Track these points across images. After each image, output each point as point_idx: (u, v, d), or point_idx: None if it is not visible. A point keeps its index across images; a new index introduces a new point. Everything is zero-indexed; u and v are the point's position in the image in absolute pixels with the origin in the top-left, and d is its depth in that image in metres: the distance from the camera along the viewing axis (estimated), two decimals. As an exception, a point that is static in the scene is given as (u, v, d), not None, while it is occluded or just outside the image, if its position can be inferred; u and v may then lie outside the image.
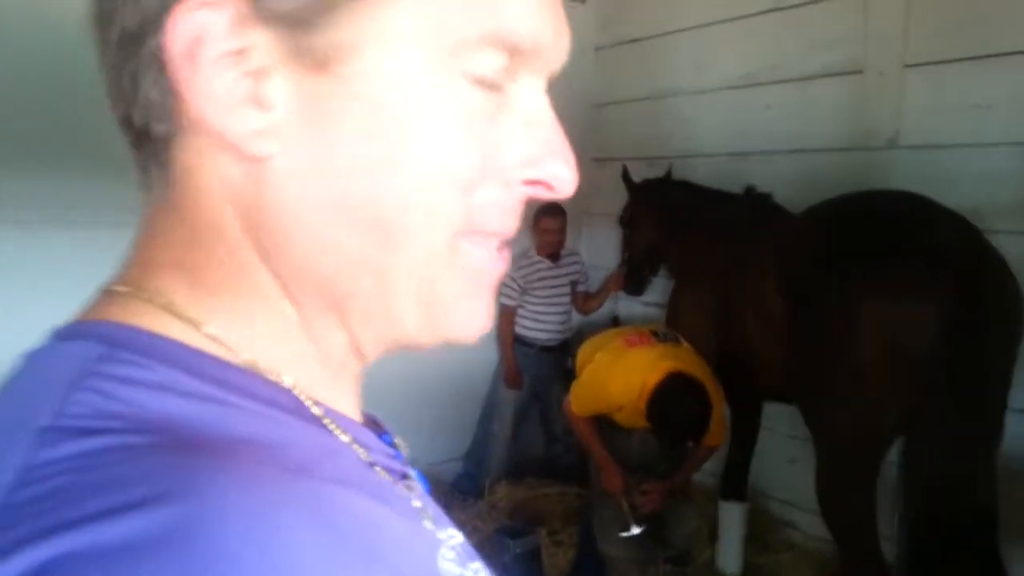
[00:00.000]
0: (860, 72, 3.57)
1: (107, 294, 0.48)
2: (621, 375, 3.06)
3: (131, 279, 0.48)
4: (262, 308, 0.48)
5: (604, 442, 3.35)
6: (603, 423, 3.32)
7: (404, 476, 0.55)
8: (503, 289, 4.53)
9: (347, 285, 0.48)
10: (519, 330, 4.55)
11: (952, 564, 2.21)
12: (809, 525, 3.80)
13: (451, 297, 0.51)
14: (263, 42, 0.43)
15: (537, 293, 4.52)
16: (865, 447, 2.41)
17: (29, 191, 2.98)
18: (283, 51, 0.44)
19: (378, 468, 0.51)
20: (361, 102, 0.44)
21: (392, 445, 0.60)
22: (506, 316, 4.55)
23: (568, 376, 3.71)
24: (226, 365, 0.45)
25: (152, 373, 0.42)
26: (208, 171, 0.46)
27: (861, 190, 2.77)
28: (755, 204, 3.38)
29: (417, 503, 0.52)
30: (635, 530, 3.26)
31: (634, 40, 4.88)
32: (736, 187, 3.60)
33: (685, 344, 3.20)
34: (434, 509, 0.56)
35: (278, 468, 0.40)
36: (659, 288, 4.50)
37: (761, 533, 3.80)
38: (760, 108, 4.07)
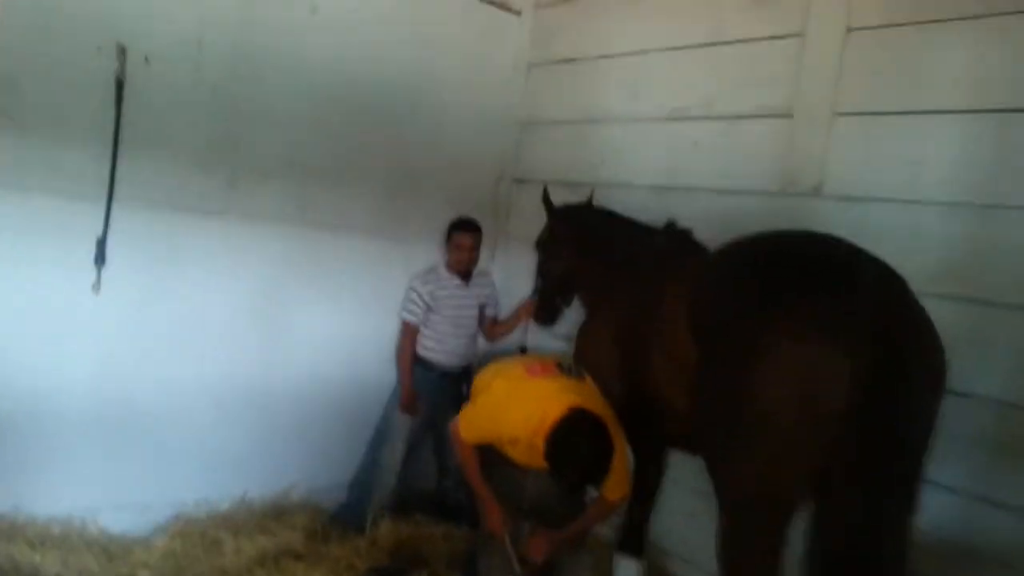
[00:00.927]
0: (790, 116, 3.46)
1: None
2: (519, 405, 2.82)
3: None
4: None
5: (494, 478, 3.09)
6: (495, 457, 3.06)
7: None
8: (406, 304, 4.26)
9: None
10: (421, 351, 4.29)
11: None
12: None
13: None
14: None
15: (443, 312, 4.27)
16: (769, 506, 2.20)
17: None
18: None
19: None
20: None
21: None
22: (408, 334, 4.28)
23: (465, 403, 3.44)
24: None
25: None
26: None
27: (781, 229, 2.61)
28: (675, 239, 3.21)
29: None
30: None
31: (569, 60, 4.71)
32: (658, 221, 3.43)
33: (590, 381, 2.98)
34: None
35: None
36: (571, 320, 4.29)
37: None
38: (688, 143, 3.92)
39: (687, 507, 3.68)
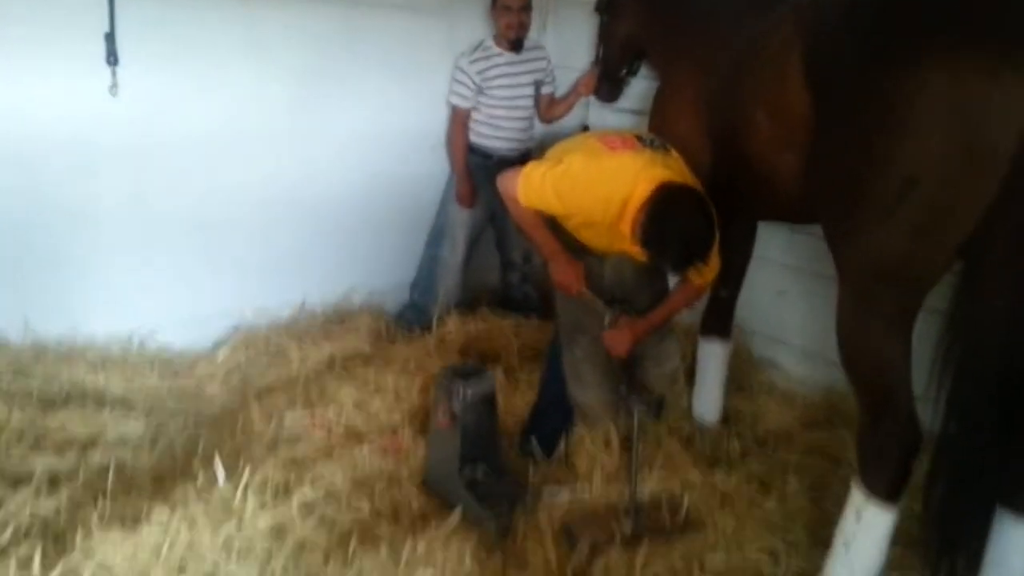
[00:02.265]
0: None
1: None
2: (599, 183, 2.43)
3: None
4: None
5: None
6: (561, 240, 2.74)
7: None
8: (454, 87, 3.85)
9: None
10: (474, 138, 3.92)
11: (1003, 429, 1.77)
12: (794, 366, 3.43)
13: None
14: None
15: (495, 93, 3.85)
16: (909, 283, 1.88)
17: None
18: None
19: None
20: None
21: None
22: (458, 120, 3.90)
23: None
24: None
25: None
26: None
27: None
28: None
29: None
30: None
31: None
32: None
33: (675, 153, 2.58)
34: None
35: None
36: (638, 92, 3.84)
37: (740, 374, 3.39)
38: None
39: (775, 284, 3.45)
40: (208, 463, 2.55)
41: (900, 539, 2.08)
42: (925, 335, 1.94)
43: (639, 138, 2.59)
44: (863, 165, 1.84)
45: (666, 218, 2.29)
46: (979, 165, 1.69)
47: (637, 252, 2.51)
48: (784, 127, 2.19)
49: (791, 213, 2.51)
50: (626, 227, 2.40)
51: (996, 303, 1.72)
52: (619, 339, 2.73)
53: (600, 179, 2.43)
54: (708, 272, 2.58)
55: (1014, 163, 1.66)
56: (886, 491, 1.99)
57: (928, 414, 1.91)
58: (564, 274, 2.71)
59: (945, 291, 1.90)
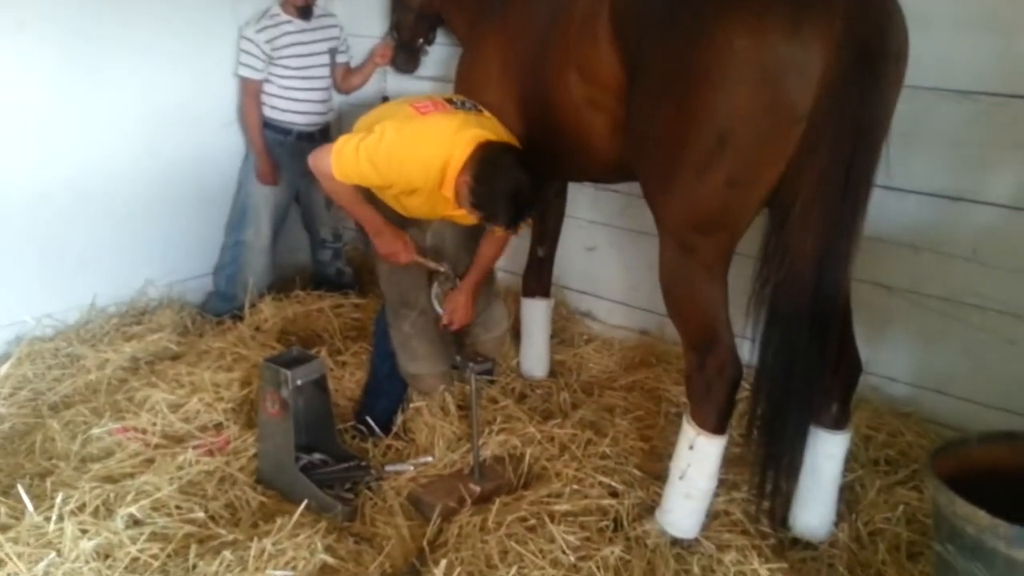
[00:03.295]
0: None
1: None
2: (417, 148, 2.35)
3: None
4: None
5: None
6: (387, 216, 2.68)
7: None
8: (243, 58, 3.62)
9: None
10: (269, 112, 3.71)
11: (813, 355, 1.95)
12: (608, 314, 3.60)
13: None
14: None
15: (287, 63, 3.66)
16: (725, 231, 2.00)
17: None
18: None
19: None
20: None
21: None
22: (250, 93, 3.68)
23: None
24: None
25: None
26: None
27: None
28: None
29: None
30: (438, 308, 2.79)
31: None
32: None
33: (488, 113, 2.57)
34: None
35: None
36: (438, 59, 3.80)
37: (560, 328, 3.51)
38: None
39: (585, 241, 3.58)
40: (8, 493, 2.25)
41: (724, 460, 2.24)
42: (739, 277, 2.09)
43: (450, 100, 2.56)
44: (679, 123, 1.92)
45: (493, 176, 2.29)
46: (783, 121, 1.82)
47: (461, 215, 2.51)
48: (596, 88, 2.24)
49: (605, 173, 2.59)
50: (448, 191, 2.38)
51: (803, 245, 1.88)
52: (460, 305, 2.73)
53: (416, 144, 2.37)
54: None
55: (810, 119, 1.80)
56: (716, 423, 2.13)
57: (745, 350, 2.07)
58: (392, 245, 2.65)
59: (753, 236, 2.04)
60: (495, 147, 2.34)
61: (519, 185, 2.30)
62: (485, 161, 2.30)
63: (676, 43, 1.92)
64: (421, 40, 3.64)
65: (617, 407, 2.97)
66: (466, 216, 2.49)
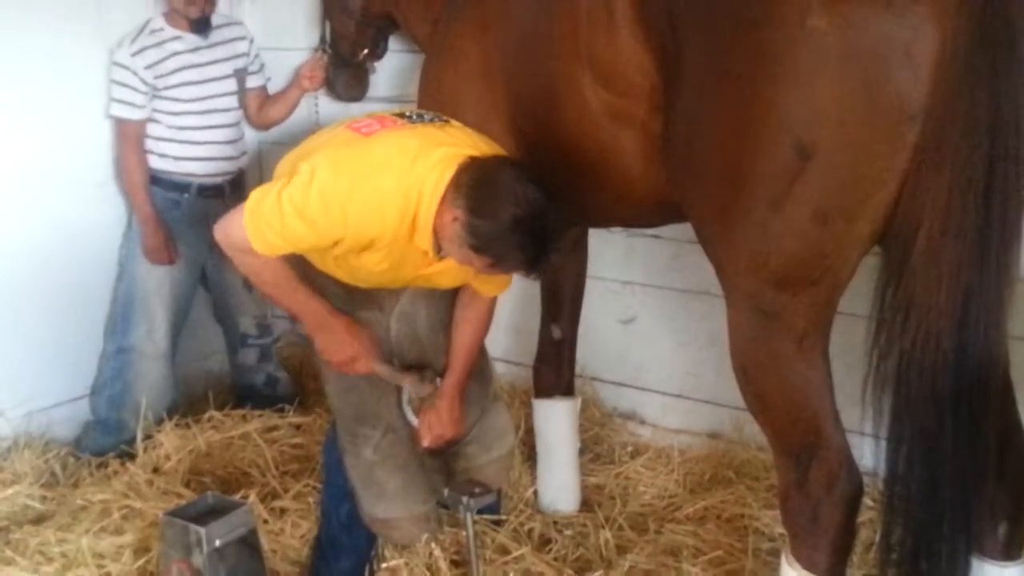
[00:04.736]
0: None
1: None
2: (367, 181, 2.35)
3: None
4: None
5: None
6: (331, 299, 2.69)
7: None
8: (116, 92, 3.74)
9: None
10: (157, 163, 3.83)
11: (965, 453, 1.89)
12: (660, 413, 3.62)
13: None
14: None
15: (177, 94, 3.79)
16: (817, 279, 1.97)
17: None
18: None
19: None
20: None
21: None
22: (129, 139, 3.81)
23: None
24: None
25: None
26: None
27: None
28: None
29: None
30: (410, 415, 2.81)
31: None
32: None
33: (456, 123, 2.57)
34: None
35: None
36: (392, 73, 3.90)
37: (593, 438, 3.55)
38: None
39: (619, 311, 3.62)
40: None
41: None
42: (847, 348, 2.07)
43: (402, 115, 2.56)
44: (740, 136, 1.94)
45: (495, 201, 2.28)
46: (886, 123, 1.82)
47: (440, 272, 2.53)
48: (619, 93, 2.29)
49: (640, 213, 2.63)
50: (425, 239, 2.37)
51: (935, 295, 1.85)
52: (444, 414, 2.73)
53: (365, 177, 2.36)
54: (500, 282, 2.66)
55: (926, 119, 1.80)
56: (829, 562, 2.08)
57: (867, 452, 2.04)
58: (342, 349, 2.65)
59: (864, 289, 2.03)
60: (484, 164, 2.36)
61: (533, 206, 2.29)
62: (478, 184, 2.30)
63: (729, 24, 1.95)
64: (366, 52, 3.74)
65: (684, 547, 2.97)
66: (447, 272, 2.51)
